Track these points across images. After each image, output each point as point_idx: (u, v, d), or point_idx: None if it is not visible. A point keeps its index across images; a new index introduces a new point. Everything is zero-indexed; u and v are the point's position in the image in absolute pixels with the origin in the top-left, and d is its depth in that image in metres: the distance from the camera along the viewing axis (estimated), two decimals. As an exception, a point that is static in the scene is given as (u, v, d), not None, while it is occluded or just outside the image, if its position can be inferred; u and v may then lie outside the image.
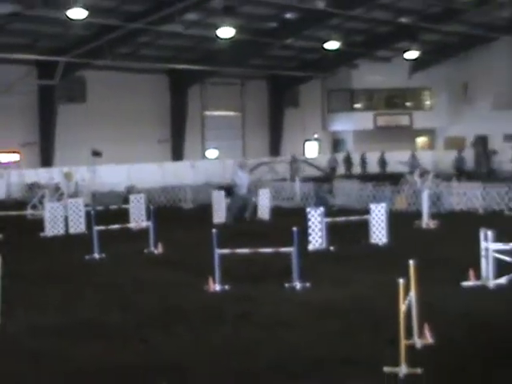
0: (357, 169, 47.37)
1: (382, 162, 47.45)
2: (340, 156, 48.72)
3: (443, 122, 53.83)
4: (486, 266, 13.42)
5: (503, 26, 47.21)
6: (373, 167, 47.47)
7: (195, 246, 18.59)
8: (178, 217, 27.47)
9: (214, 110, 48.69)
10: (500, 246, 13.57)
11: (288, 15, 39.36)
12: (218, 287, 13.67)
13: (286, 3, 36.76)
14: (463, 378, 8.41)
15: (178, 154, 45.52)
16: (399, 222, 22.39)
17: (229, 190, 25.31)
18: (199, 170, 39.43)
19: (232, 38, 36.59)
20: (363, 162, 47.94)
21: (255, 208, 25.22)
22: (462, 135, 52.86)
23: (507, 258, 13.51)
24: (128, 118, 43.06)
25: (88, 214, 21.04)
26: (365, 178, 36.15)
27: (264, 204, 26.19)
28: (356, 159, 48.00)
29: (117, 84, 42.31)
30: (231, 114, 50.37)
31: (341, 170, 46.67)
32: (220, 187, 26.78)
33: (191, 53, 43.41)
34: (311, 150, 54.42)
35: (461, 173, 36.16)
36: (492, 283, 13.27)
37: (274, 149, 50.71)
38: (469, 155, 46.80)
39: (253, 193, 25.26)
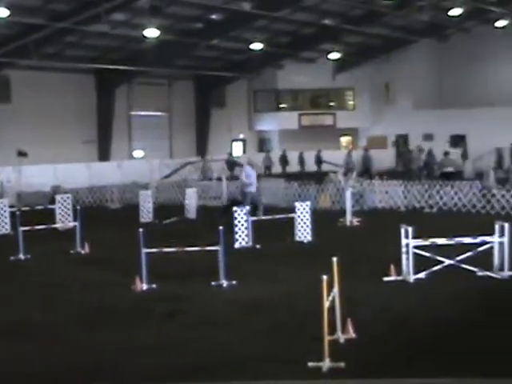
0: (294, 167, 47.47)
1: (302, 161, 47.84)
2: (275, 155, 48.79)
3: (366, 121, 54.79)
4: (407, 262, 13.85)
5: (422, 29, 48.34)
6: (307, 166, 47.69)
7: (122, 246, 18.59)
8: (104, 217, 27.36)
9: (140, 110, 48.44)
10: (420, 242, 14.01)
11: (214, 16, 39.49)
12: (145, 286, 13.74)
13: (211, 4, 36.88)
14: (385, 370, 8.68)
15: (104, 154, 45.15)
16: (324, 219, 22.80)
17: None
18: (126, 170, 39.21)
19: (158, 38, 36.53)
20: (301, 160, 48.05)
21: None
22: (384, 134, 53.93)
23: (427, 254, 13.96)
24: (54, 119, 42.46)
25: (13, 215, 20.80)
26: (302, 176, 36.59)
27: (191, 203, 26.31)
28: (294, 158, 48.05)
29: (42, 84, 41.67)
30: (158, 114, 50.21)
31: (276, 168, 46.82)
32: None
33: (118, 53, 43.13)
34: (237, 149, 54.68)
35: (367, 171, 36.88)
36: (412, 278, 13.69)
37: (201, 149, 50.76)
38: (391, 154, 47.90)
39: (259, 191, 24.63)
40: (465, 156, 44.20)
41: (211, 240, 14.44)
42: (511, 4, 43.20)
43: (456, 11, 40.38)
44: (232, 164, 43.07)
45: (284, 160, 47.60)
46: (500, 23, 45.75)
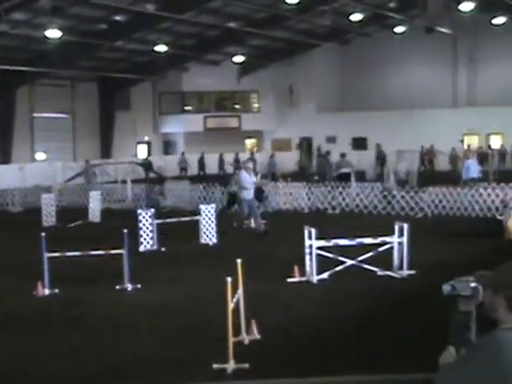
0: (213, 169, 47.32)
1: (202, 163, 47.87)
2: (191, 157, 48.49)
3: (270, 124, 55.28)
4: (310, 263, 14.09)
5: (325, 33, 49.17)
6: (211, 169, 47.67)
7: (24, 250, 18.19)
8: (5, 221, 26.72)
9: (43, 111, 47.51)
10: (323, 243, 14.28)
11: (118, 17, 39.12)
12: (47, 291, 13.52)
13: (115, 5, 36.51)
14: (288, 370, 8.78)
15: (5, 157, 44.05)
16: (229, 221, 22.91)
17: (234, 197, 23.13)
18: (28, 172, 38.38)
19: (61, 38, 35.92)
20: (221, 162, 47.86)
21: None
22: (288, 137, 54.56)
23: (329, 255, 14.24)
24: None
25: None
26: (205, 178, 36.63)
27: (95, 206, 26.01)
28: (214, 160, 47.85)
29: None
30: (61, 116, 49.35)
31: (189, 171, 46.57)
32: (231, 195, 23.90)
33: (19, 53, 42.18)
34: (142, 152, 54.28)
35: (273, 175, 37.63)
36: (315, 279, 13.94)
37: (106, 151, 50.18)
38: (295, 157, 48.48)
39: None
40: (381, 159, 44.26)
41: (115, 243, 14.31)
42: (410, 11, 44.43)
43: (357, 16, 41.25)
44: (148, 166, 42.94)
45: (201, 162, 47.33)
46: (399, 29, 47.01)
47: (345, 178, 29.49)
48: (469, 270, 4.68)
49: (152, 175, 41.08)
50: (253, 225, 23.12)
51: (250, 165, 22.39)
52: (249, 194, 21.07)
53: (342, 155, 33.76)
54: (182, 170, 45.96)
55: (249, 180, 21.15)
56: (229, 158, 46.29)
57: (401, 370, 4.39)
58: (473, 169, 26.49)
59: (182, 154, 47.14)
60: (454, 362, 3.84)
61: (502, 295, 3.81)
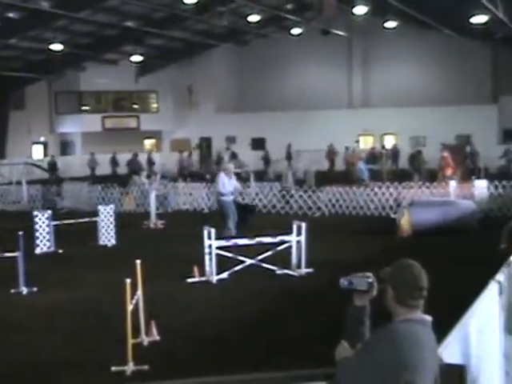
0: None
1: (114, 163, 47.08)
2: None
3: (169, 124, 55.02)
4: (210, 263, 14.14)
5: (223, 33, 49.30)
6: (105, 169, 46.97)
7: None
8: None
9: None
10: (222, 242, 14.36)
11: (11, 14, 38.11)
12: None
13: (8, 2, 35.57)
14: (188, 371, 8.79)
15: None
16: (128, 222, 22.76)
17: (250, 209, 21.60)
18: None
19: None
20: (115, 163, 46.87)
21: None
22: (188, 137, 54.47)
23: (229, 254, 14.33)
24: None
25: None
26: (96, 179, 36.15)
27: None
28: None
29: None
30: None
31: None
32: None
33: None
34: (39, 152, 53.11)
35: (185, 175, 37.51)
36: (215, 279, 14.00)
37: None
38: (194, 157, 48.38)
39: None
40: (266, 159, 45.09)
41: (11, 246, 13.99)
42: (306, 13, 45.10)
43: (254, 18, 41.57)
44: (53, 167, 42.23)
45: (114, 162, 46.25)
46: (295, 31, 47.63)
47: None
48: (364, 267, 4.84)
49: (53, 176, 40.44)
50: (152, 225, 23.05)
51: (231, 167, 20.67)
52: (229, 197, 19.54)
53: (233, 156, 34.46)
54: (92, 170, 45.04)
55: (228, 183, 19.54)
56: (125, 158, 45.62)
57: (302, 367, 4.49)
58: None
59: (92, 154, 46.07)
60: (353, 356, 3.99)
61: (393, 289, 4.01)
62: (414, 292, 4.01)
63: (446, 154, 30.30)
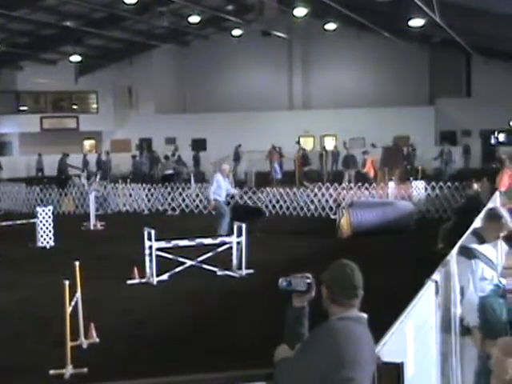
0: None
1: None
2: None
3: (109, 125, 54.51)
4: (150, 264, 14.07)
5: (163, 34, 49.07)
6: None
7: None
8: None
9: None
10: (163, 244, 14.30)
11: None
12: None
13: None
14: (127, 373, 8.74)
15: None
16: (67, 224, 22.52)
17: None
18: None
19: None
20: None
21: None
22: (128, 138, 54.06)
23: (169, 256, 14.28)
24: None
25: None
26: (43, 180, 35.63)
27: None
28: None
29: None
30: None
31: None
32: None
33: None
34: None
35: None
36: (155, 280, 13.94)
37: None
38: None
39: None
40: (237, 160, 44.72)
41: None
42: (246, 14, 45.20)
43: (195, 18, 41.48)
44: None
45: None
46: (236, 32, 47.67)
47: (168, 179, 30.79)
48: (304, 268, 4.89)
49: None
50: (92, 227, 22.84)
51: (227, 167, 20.62)
52: (222, 198, 19.56)
53: (166, 157, 35.11)
54: (39, 171, 44.19)
55: (223, 184, 19.48)
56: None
57: (243, 367, 4.51)
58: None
59: (39, 155, 45.05)
60: (293, 355, 4.03)
61: (329, 289, 4.08)
62: (349, 291, 4.09)
63: (367, 156, 32.04)
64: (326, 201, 24.72)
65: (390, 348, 4.49)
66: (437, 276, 6.07)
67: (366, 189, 25.35)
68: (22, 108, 54.06)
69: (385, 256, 16.31)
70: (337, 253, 14.75)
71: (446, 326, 6.41)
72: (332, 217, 22.85)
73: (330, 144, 48.84)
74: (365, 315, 4.13)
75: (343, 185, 27.15)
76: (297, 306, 4.26)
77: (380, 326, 4.31)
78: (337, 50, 51.84)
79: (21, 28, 42.95)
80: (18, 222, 20.04)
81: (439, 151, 37.88)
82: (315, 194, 25.04)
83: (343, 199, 23.60)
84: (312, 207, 24.72)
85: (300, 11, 37.86)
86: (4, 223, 19.63)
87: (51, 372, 8.78)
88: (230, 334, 10.54)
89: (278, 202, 25.38)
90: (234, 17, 44.38)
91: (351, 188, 25.85)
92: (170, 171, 33.28)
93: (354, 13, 37.22)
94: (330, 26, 43.68)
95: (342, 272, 4.12)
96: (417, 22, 33.45)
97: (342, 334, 3.95)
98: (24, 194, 28.78)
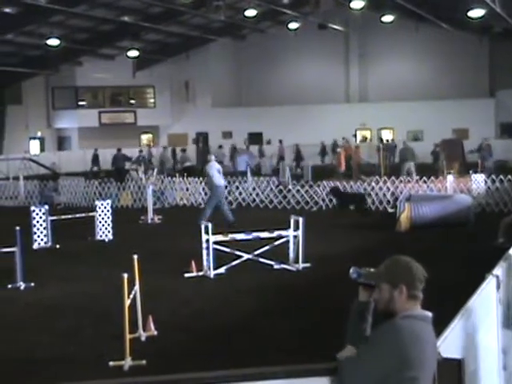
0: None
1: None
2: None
3: (166, 119, 55.00)
4: (207, 258, 14.13)
5: (220, 28, 49.27)
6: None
7: None
8: None
9: None
10: (219, 237, 14.35)
11: (7, 10, 38.06)
12: None
13: (5, -3, 35.57)
14: (186, 365, 8.78)
15: None
16: (125, 218, 22.74)
17: None
18: None
19: None
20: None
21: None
22: (185, 132, 54.44)
23: (226, 249, 14.32)
24: None
25: None
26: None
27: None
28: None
29: None
30: (-51, 110, 47.71)
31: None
32: None
33: None
34: (36, 147, 53.08)
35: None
36: (212, 273, 13.99)
37: (-4, 147, 48.83)
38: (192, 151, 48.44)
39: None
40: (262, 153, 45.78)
41: (8, 241, 13.97)
42: (303, 7, 45.04)
43: (251, 12, 41.50)
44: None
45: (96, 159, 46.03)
46: (293, 25, 47.53)
47: (188, 170, 33.03)
48: (361, 262, 4.83)
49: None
50: (149, 220, 23.06)
51: (222, 153, 23.36)
52: (221, 188, 20.82)
53: (183, 150, 36.82)
54: (95, 164, 44.51)
55: (218, 171, 20.73)
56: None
57: (301, 361, 4.48)
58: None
59: (96, 149, 45.59)
60: (356, 355, 3.97)
61: (403, 285, 3.98)
62: (418, 284, 4.02)
63: (339, 150, 33.63)
64: (384, 194, 24.51)
65: (449, 344, 4.42)
66: (498, 271, 5.96)
67: (425, 182, 25.07)
68: (80, 103, 54.84)
69: (443, 250, 16.10)
70: (395, 246, 14.63)
71: (507, 321, 6.29)
72: (389, 210, 22.65)
73: (387, 137, 48.46)
74: (430, 313, 4.05)
75: (401, 178, 26.84)
76: (362, 301, 4.20)
77: (438, 321, 4.24)
78: (394, 42, 51.33)
79: (80, 24, 43.59)
80: (78, 215, 20.32)
81: (478, 145, 36.93)
82: (372, 188, 24.84)
83: (401, 192, 23.34)
84: (369, 201, 24.52)
85: (357, 3, 37.61)
86: (64, 217, 19.92)
87: (111, 364, 8.88)
88: (286, 327, 10.51)
89: (334, 195, 25.22)
90: (291, 10, 44.29)
91: (409, 181, 25.55)
92: (189, 163, 35.96)
93: (411, 4, 36.78)
94: (387, 18, 43.29)
95: (409, 266, 4.05)
96: (476, 13, 32.91)
97: (409, 333, 3.87)
98: (83, 187, 29.18)
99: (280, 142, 45.10)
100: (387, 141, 45.69)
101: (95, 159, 44.34)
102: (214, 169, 20.67)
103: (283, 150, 44.02)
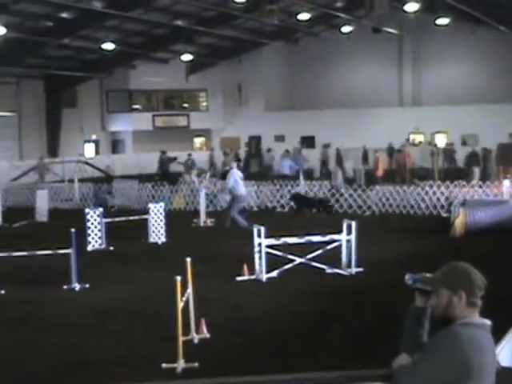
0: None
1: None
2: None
3: (219, 122, 55.17)
4: (259, 261, 14.13)
5: (273, 32, 49.27)
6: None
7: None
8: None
9: (-13, 109, 46.70)
10: (272, 241, 14.33)
11: (64, 14, 38.63)
12: (-7, 292, 13.33)
13: (61, 2, 36.00)
14: (238, 368, 8.82)
15: None
16: (178, 220, 22.87)
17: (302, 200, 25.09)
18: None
19: (5, 36, 35.34)
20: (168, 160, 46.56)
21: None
22: (237, 136, 54.58)
23: (278, 253, 14.29)
24: None
25: None
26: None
27: (42, 206, 25.70)
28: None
29: None
30: (6, 114, 48.54)
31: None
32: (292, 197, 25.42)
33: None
34: (90, 150, 53.76)
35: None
36: (265, 277, 13.98)
37: (52, 150, 49.53)
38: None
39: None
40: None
41: (63, 243, 14.16)
42: (356, 11, 44.81)
43: (304, 16, 41.42)
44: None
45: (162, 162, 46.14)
46: (346, 29, 47.29)
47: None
48: (415, 267, 4.76)
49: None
50: (202, 223, 23.16)
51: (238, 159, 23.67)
52: (242, 190, 21.42)
53: (225, 153, 37.01)
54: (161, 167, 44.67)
55: (238, 176, 21.47)
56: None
57: (352, 367, 4.44)
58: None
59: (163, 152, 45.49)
60: (413, 362, 3.89)
61: (462, 291, 3.89)
62: (478, 291, 3.93)
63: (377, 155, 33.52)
64: (438, 199, 24.22)
65: (508, 353, 4.33)
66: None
67: (480, 186, 24.72)
68: (134, 106, 55.36)
69: (499, 256, 15.83)
70: (450, 252, 14.44)
71: None
72: (443, 215, 22.37)
73: (442, 141, 47.88)
74: (489, 322, 3.95)
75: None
76: (418, 306, 4.13)
77: (495, 329, 4.15)
78: (449, 45, 50.66)
79: (135, 28, 44.04)
80: (131, 218, 20.51)
81: None
82: (426, 192, 24.57)
83: (455, 197, 23.03)
84: (423, 205, 24.26)
85: (411, 6, 37.25)
86: (117, 219, 20.13)
87: (163, 365, 8.93)
88: (339, 332, 10.45)
89: (387, 199, 25.03)
90: (344, 13, 44.10)
91: (464, 186, 25.20)
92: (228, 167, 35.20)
93: (467, 6, 36.30)
94: (443, 21, 42.77)
95: (467, 272, 3.96)
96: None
97: (468, 340, 3.78)
98: (136, 190, 29.46)
99: (325, 146, 44.75)
100: (448, 144, 45.01)
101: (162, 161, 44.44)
102: (234, 177, 21.20)
103: (327, 154, 43.67)
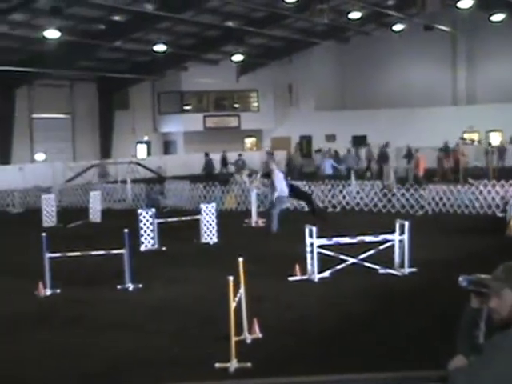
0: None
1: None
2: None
3: (270, 123, 55.22)
4: (311, 261, 14.08)
5: (324, 31, 49.13)
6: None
7: (24, 251, 18.20)
8: (6, 221, 26.71)
9: (42, 112, 47.44)
10: (324, 241, 14.26)
11: (116, 17, 39.09)
12: (48, 291, 13.51)
13: (114, 5, 36.46)
14: (291, 369, 8.77)
15: (5, 158, 43.97)
16: (229, 221, 22.91)
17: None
18: (28, 173, 38.36)
19: (59, 39, 35.89)
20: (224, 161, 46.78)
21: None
22: (288, 136, 54.53)
23: (330, 253, 14.22)
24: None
25: None
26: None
27: (95, 206, 26.02)
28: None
29: None
30: (60, 116, 49.33)
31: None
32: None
33: (18, 54, 42.05)
34: (142, 151, 54.29)
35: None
36: (317, 277, 13.92)
37: (105, 151, 50.16)
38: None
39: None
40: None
41: (116, 243, 14.30)
42: (408, 9, 44.41)
43: (355, 15, 41.23)
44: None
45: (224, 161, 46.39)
46: (397, 27, 46.95)
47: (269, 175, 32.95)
48: (470, 268, 4.68)
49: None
50: (253, 223, 23.18)
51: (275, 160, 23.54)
52: (285, 192, 21.27)
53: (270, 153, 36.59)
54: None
55: (280, 177, 21.52)
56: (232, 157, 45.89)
57: (405, 367, 4.37)
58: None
59: (207, 154, 45.26)
60: (469, 365, 3.80)
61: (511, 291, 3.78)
62: None
63: (418, 154, 33.66)
64: (493, 198, 23.84)
65: None
66: None
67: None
68: (186, 107, 55.70)
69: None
70: (506, 252, 14.19)
71: None
72: (498, 215, 22.02)
73: (496, 140, 47.17)
74: None
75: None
76: (474, 308, 4.03)
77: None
78: (504, 41, 49.84)
79: (186, 30, 44.34)
80: (183, 218, 20.63)
81: None
82: (480, 192, 24.21)
83: (511, 197, 22.64)
84: (477, 205, 23.91)
85: (465, 3, 36.85)
86: (170, 219, 20.26)
87: (216, 365, 8.94)
88: (392, 332, 10.35)
89: (441, 199, 24.73)
90: (396, 11, 43.75)
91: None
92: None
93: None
94: (497, 17, 42.16)
95: None
96: None
97: None
98: (188, 191, 29.63)
99: (383, 146, 44.29)
100: (501, 143, 44.34)
101: (223, 161, 44.67)
102: (279, 178, 21.28)
103: (372, 153, 43.21)
